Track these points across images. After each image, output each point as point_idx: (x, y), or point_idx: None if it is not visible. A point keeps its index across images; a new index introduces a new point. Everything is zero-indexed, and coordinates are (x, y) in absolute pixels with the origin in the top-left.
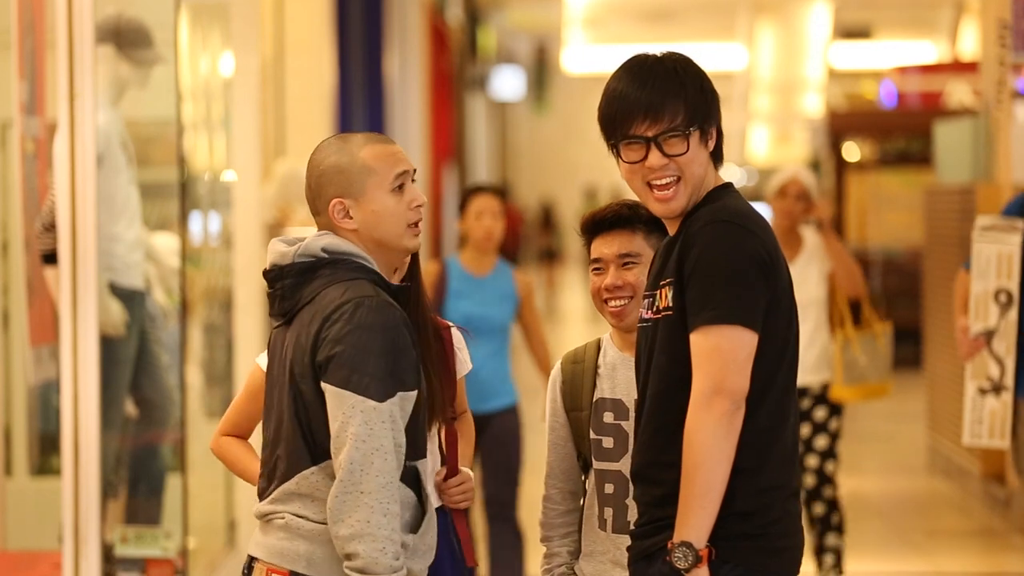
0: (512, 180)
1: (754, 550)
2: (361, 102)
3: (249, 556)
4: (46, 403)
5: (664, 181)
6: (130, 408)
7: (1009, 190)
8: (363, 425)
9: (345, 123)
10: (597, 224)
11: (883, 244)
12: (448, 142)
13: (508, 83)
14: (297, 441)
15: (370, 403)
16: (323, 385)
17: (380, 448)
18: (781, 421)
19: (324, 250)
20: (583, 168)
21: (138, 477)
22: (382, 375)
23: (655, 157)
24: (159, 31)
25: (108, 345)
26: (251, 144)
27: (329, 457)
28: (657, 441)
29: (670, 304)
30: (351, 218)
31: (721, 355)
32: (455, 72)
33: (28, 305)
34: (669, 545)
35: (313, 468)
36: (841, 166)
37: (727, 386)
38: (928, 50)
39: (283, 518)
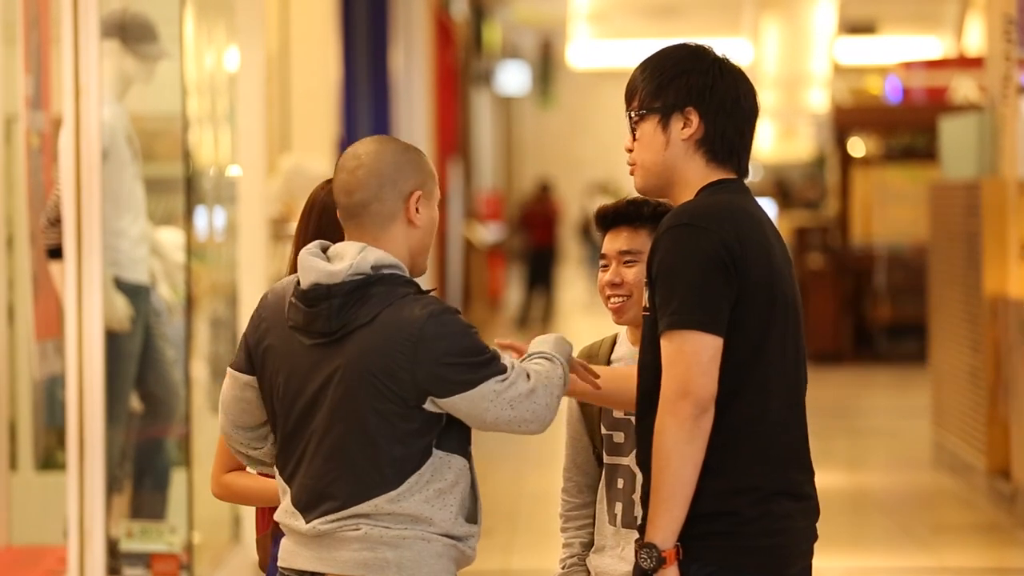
0: (517, 175)
1: (724, 549)
2: (366, 97)
3: (305, 572)
4: (51, 397)
5: (630, 161)
6: (135, 403)
7: (1015, 185)
8: (509, 388)
9: (351, 118)
10: (603, 219)
11: (888, 239)
12: (453, 137)
13: (513, 78)
14: (366, 463)
15: (497, 371)
16: (445, 400)
17: (531, 390)
18: (755, 421)
19: (374, 267)
20: (588, 163)
21: (143, 472)
22: (493, 357)
23: (628, 139)
24: (164, 26)
25: (113, 340)
26: (256, 139)
27: (407, 477)
28: (648, 437)
29: (647, 304)
30: (419, 214)
31: (684, 359)
32: (460, 67)
33: (33, 300)
34: (636, 546)
35: (396, 493)
36: (846, 161)
37: (690, 389)
38: (933, 45)
39: (358, 528)
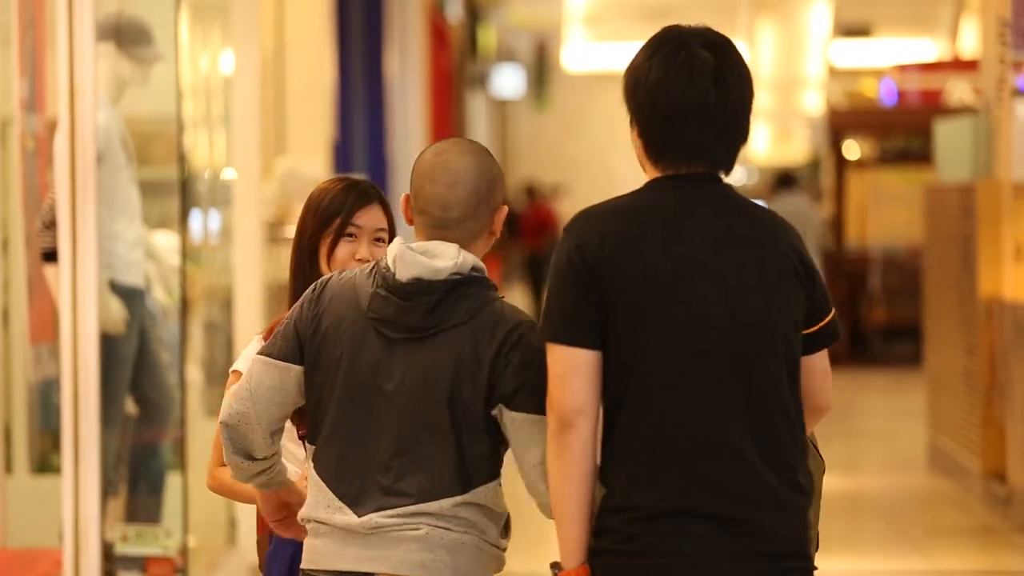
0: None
1: (611, 568)
2: (361, 100)
3: (354, 573)
4: (46, 401)
5: None
6: (130, 406)
7: (1009, 188)
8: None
9: (346, 121)
10: None
11: (883, 242)
12: None
13: (508, 81)
14: (445, 463)
15: None
16: (511, 414)
17: None
18: (636, 437)
19: (474, 268)
20: (583, 166)
21: (138, 475)
22: None
23: None
24: (159, 29)
25: (108, 343)
26: (251, 142)
27: (477, 486)
28: None
29: None
30: (499, 226)
31: (549, 371)
32: (455, 70)
33: (28, 303)
34: (550, 564)
35: (464, 498)
36: (841, 164)
37: (552, 404)
38: (928, 48)
39: (419, 529)
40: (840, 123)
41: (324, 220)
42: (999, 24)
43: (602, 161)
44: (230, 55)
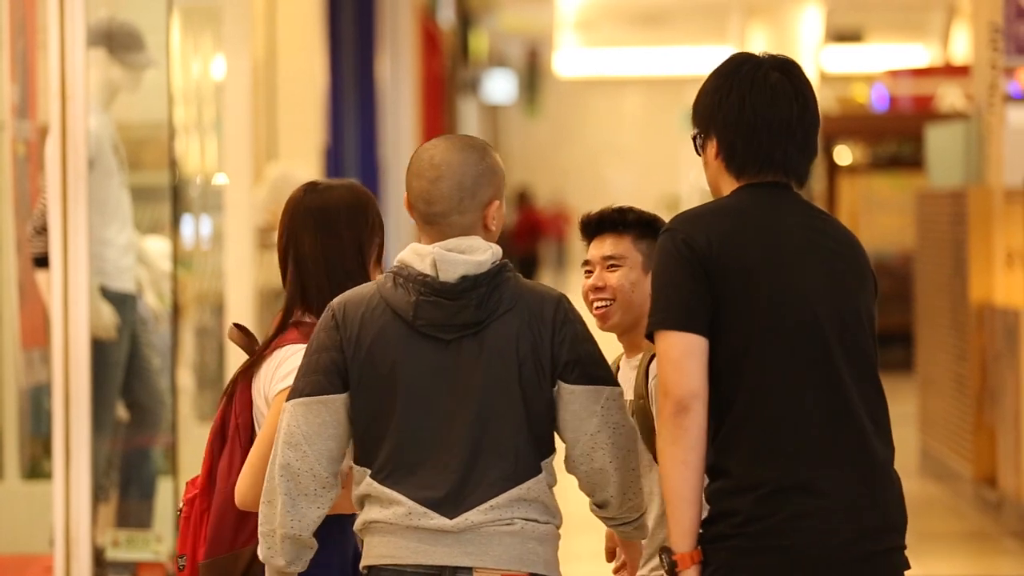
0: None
1: (729, 550)
2: (353, 105)
3: (447, 568)
4: (37, 406)
5: None
6: (121, 412)
7: (1000, 193)
8: (619, 411)
9: (337, 126)
10: (587, 227)
11: (874, 247)
12: None
13: (500, 86)
14: (521, 446)
15: (617, 390)
16: (569, 386)
17: (633, 428)
18: (752, 419)
19: (502, 256)
20: (575, 171)
21: (129, 480)
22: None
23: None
24: (151, 34)
25: (99, 349)
26: (243, 147)
27: (546, 458)
28: None
29: None
30: (495, 220)
31: (661, 359)
32: (447, 75)
33: (19, 308)
34: (659, 550)
35: (540, 475)
36: (832, 169)
37: (668, 389)
38: (920, 54)
39: (512, 523)
40: (831, 128)
41: (379, 225)
42: (991, 30)
43: (594, 167)
44: (221, 60)
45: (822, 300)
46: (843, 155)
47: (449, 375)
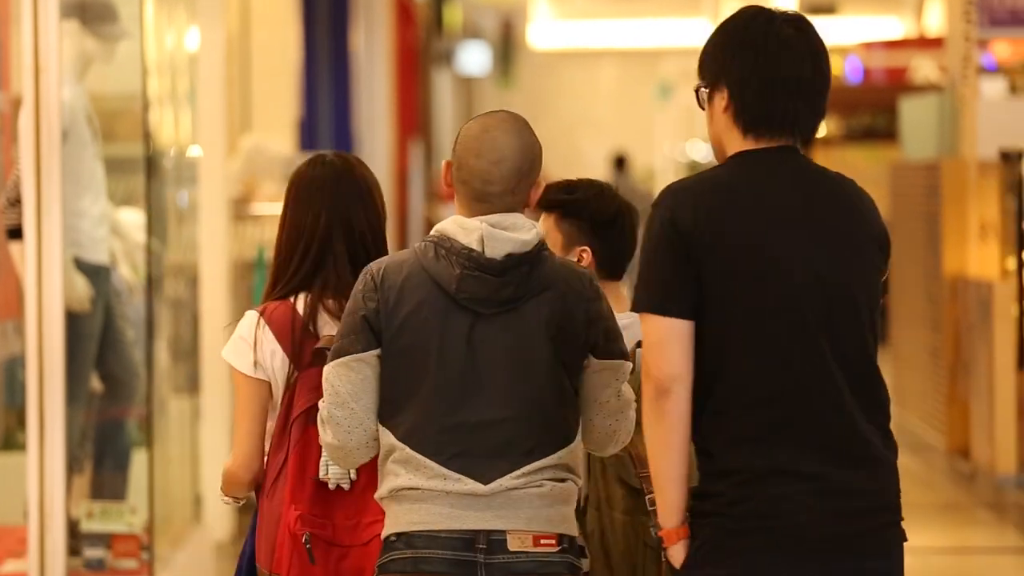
0: None
1: (714, 528)
2: (327, 77)
3: (481, 532)
4: (11, 378)
5: None
6: (96, 383)
7: (974, 166)
8: (625, 382)
9: (311, 98)
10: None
11: None
12: (414, 117)
13: (474, 58)
14: (563, 419)
15: (629, 364)
16: (599, 361)
17: (631, 393)
18: (736, 403)
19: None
20: (550, 144)
21: (104, 452)
22: None
23: None
24: (124, 6)
25: (73, 320)
26: (217, 119)
27: (577, 427)
28: None
29: None
30: (534, 201)
31: (644, 341)
32: (421, 47)
33: None
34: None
35: (572, 443)
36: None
37: (649, 372)
38: (894, 26)
39: (542, 486)
40: None
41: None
42: (964, 2)
43: (568, 138)
44: (195, 32)
45: (808, 278)
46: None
47: (485, 347)
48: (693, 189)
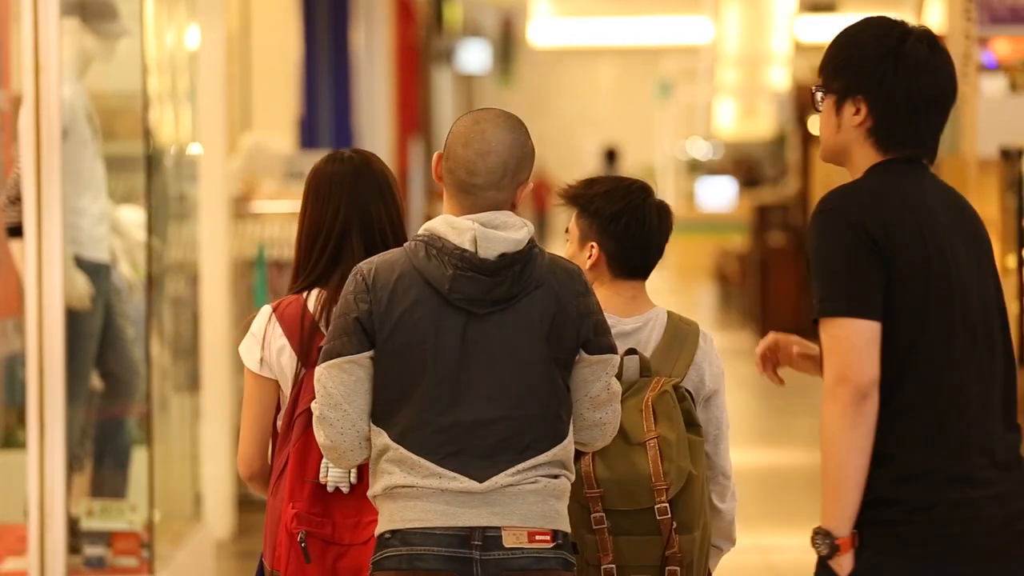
0: None
1: (892, 537)
2: (327, 75)
3: (476, 528)
4: (11, 376)
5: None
6: (96, 382)
7: (975, 164)
8: (614, 375)
9: (311, 96)
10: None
11: None
12: (414, 115)
13: (474, 56)
14: (557, 416)
15: (618, 357)
16: (589, 356)
17: (618, 386)
18: (921, 405)
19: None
20: (550, 141)
21: (104, 450)
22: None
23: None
24: (124, 4)
25: (73, 318)
26: (217, 117)
27: (569, 424)
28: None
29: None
30: (522, 201)
31: (839, 345)
32: (421, 45)
33: None
34: (812, 532)
35: (565, 440)
36: (807, 140)
37: (848, 376)
38: None
39: (536, 482)
40: (806, 98)
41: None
42: (964, 0)
43: (569, 136)
44: (195, 30)
45: (974, 283)
46: (818, 125)
47: (479, 346)
48: (863, 196)
